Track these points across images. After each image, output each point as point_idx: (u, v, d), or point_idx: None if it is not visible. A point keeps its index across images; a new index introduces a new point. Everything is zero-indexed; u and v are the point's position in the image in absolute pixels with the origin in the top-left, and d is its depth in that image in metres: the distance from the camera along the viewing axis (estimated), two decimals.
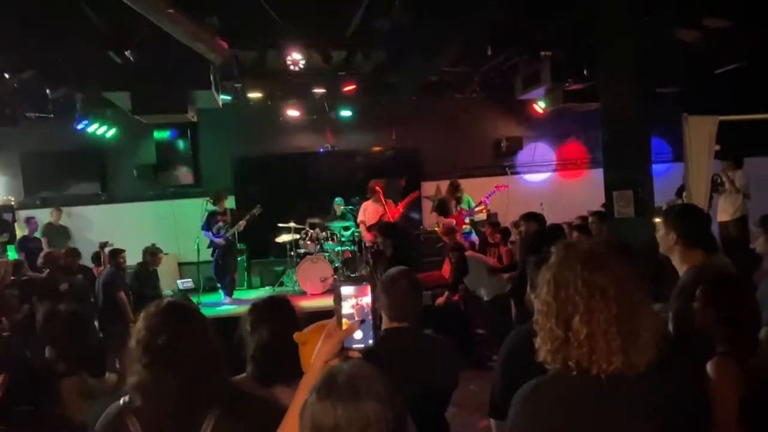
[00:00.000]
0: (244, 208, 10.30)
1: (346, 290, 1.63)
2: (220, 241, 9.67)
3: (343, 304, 1.62)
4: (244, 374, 2.43)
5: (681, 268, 3.09)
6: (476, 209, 9.77)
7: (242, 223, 9.74)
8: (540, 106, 11.23)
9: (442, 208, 9.73)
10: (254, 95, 10.76)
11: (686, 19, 7.66)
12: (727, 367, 2.36)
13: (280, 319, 2.45)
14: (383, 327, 2.85)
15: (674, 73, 9.90)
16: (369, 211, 9.94)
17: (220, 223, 9.74)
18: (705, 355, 2.46)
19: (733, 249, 8.31)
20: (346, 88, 10.47)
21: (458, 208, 9.66)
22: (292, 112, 11.44)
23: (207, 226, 9.79)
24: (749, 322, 2.54)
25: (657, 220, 3.74)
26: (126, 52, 7.99)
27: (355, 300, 1.62)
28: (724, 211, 8.88)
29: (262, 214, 9.87)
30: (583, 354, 1.61)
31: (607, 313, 1.62)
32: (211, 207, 10.25)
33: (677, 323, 2.79)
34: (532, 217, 7.24)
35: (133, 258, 8.62)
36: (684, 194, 8.99)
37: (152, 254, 8.59)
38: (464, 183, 10.13)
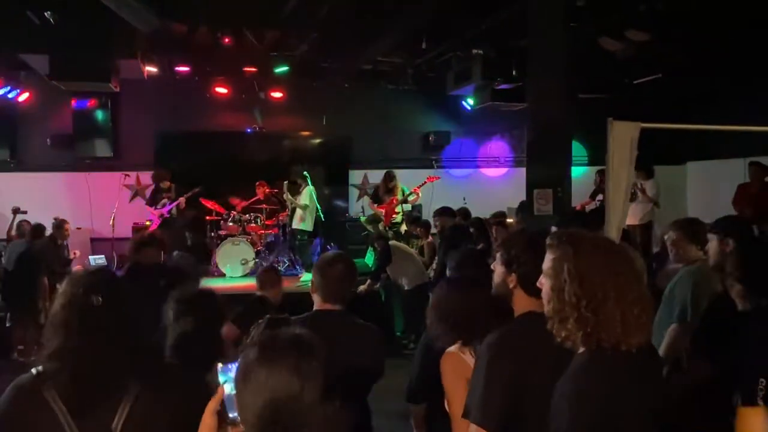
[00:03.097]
0: None
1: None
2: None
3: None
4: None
5: None
6: (410, 198, 9.96)
7: (182, 200, 9.54)
8: (469, 103, 11.46)
9: (376, 196, 9.96)
10: (182, 69, 10.42)
11: (611, 29, 8.01)
12: None
13: (204, 312, 2.49)
14: (315, 308, 2.87)
15: (598, 80, 10.36)
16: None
17: (165, 200, 9.57)
18: None
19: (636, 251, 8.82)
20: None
21: (391, 198, 9.82)
22: (221, 90, 11.14)
23: (152, 202, 9.63)
24: None
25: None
26: (46, 14, 7.55)
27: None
28: (632, 216, 9.36)
29: (181, 192, 9.65)
30: (616, 334, 1.76)
31: (631, 295, 1.79)
32: (129, 181, 10.01)
33: None
34: (446, 212, 7.48)
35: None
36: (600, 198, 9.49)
37: (58, 227, 8.25)
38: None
